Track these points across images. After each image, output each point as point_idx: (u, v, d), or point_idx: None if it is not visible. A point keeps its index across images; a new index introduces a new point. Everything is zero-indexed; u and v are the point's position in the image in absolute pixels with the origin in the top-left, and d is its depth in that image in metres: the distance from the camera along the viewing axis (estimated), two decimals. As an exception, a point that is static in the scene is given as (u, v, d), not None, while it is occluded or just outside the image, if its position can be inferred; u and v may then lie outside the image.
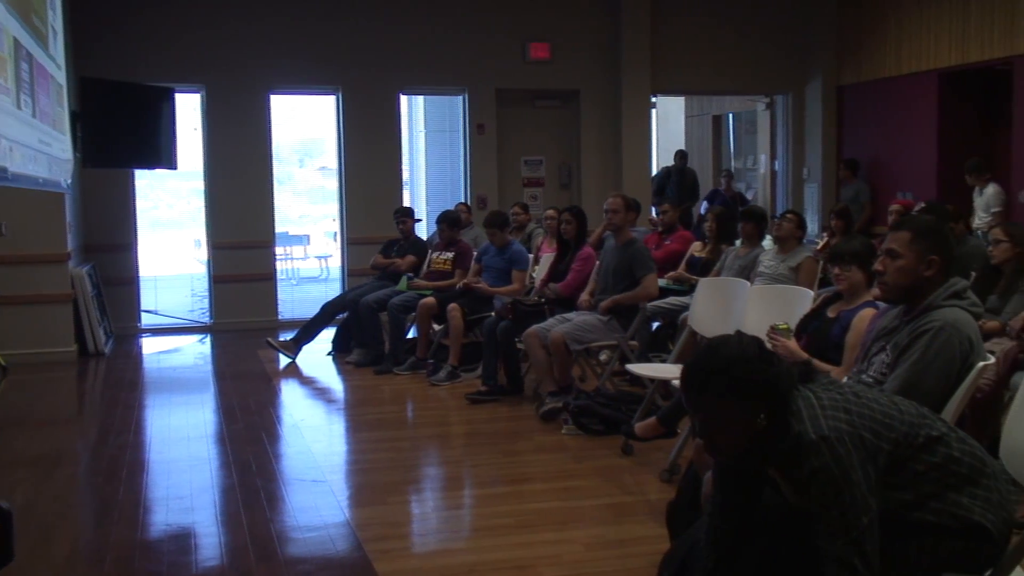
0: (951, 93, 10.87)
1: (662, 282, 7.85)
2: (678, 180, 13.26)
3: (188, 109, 11.37)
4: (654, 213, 10.46)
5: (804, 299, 5.08)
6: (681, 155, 13.76)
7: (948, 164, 10.81)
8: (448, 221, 8.94)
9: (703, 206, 12.99)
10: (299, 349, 9.07)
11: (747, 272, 7.44)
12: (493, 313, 7.67)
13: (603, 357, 7.66)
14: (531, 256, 8.68)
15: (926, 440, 2.67)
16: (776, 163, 13.40)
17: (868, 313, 4.20)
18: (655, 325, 8.15)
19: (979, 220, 9.65)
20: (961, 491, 2.67)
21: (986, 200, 9.86)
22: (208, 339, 10.75)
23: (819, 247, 8.11)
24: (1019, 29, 9.72)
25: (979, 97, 10.89)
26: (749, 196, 14.58)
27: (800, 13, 12.53)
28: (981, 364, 3.22)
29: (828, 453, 2.53)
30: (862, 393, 2.72)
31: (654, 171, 13.23)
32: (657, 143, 15.50)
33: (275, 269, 11.52)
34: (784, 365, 2.70)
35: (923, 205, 7.90)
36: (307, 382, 8.61)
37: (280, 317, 11.32)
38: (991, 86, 10.63)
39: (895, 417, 2.67)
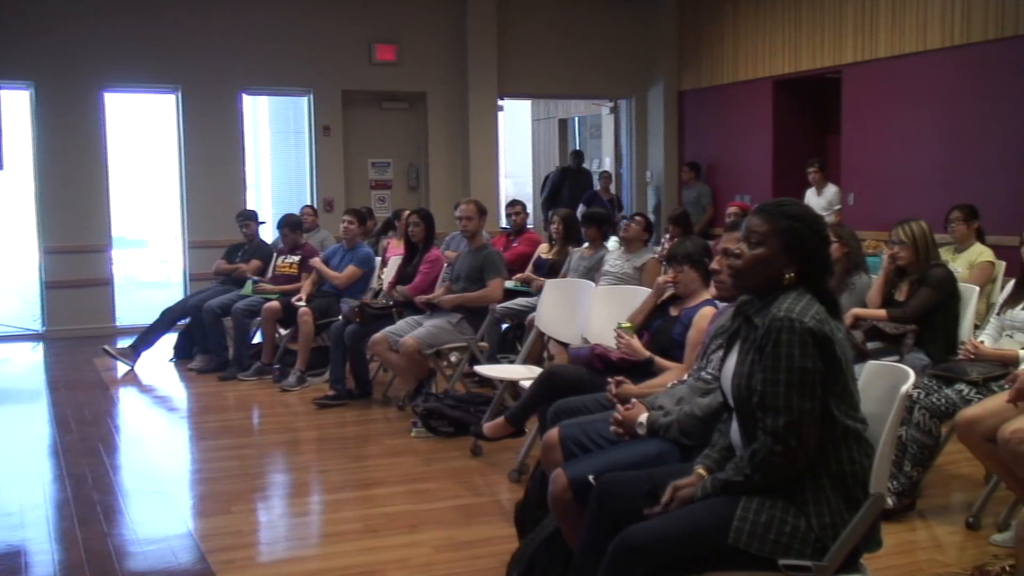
0: (785, 99, 11.32)
1: (510, 284, 7.91)
2: (574, 181, 13.24)
3: (15, 107, 10.83)
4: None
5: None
6: (577, 156, 13.73)
7: (783, 167, 11.26)
8: (289, 225, 8.77)
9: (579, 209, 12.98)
10: (138, 356, 8.77)
11: (593, 273, 7.57)
12: (340, 317, 7.58)
13: (453, 358, 7.66)
14: (379, 259, 8.60)
15: (845, 429, 2.74)
16: (621, 166, 13.67)
17: (708, 311, 4.32)
18: (504, 327, 8.20)
19: (820, 219, 10.06)
20: (822, 489, 2.72)
21: (828, 199, 10.36)
22: (40, 347, 10.29)
23: (661, 251, 8.31)
24: (847, 40, 10.19)
25: (811, 104, 11.36)
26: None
27: (642, 20, 12.84)
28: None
29: (798, 336, 2.65)
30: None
31: (501, 174, 13.25)
32: (505, 146, 15.60)
33: (111, 274, 11.11)
34: (831, 264, 2.89)
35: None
36: (147, 390, 8.33)
37: (117, 324, 10.92)
38: (822, 93, 11.11)
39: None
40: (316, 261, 8.23)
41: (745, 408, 2.79)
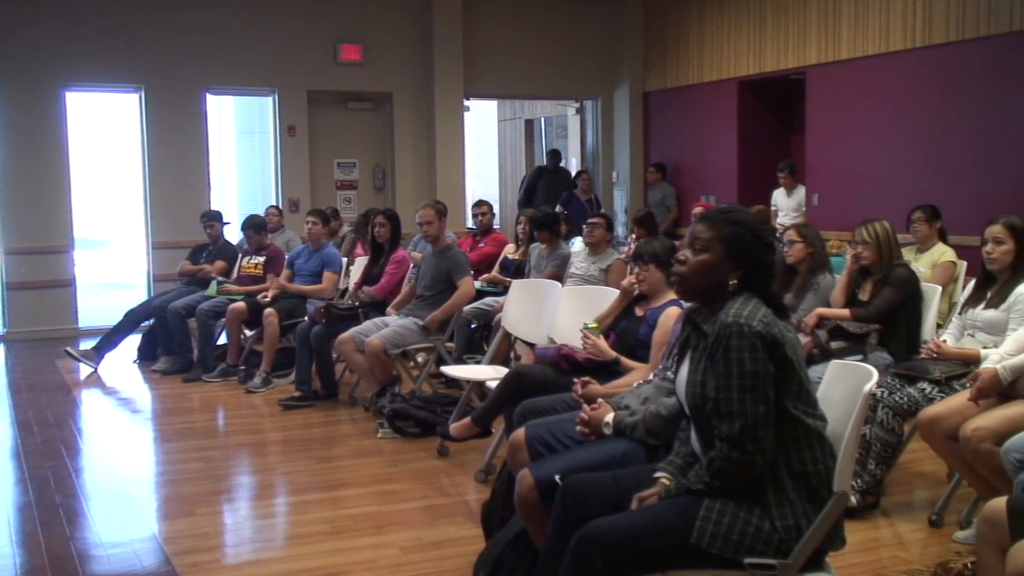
0: (750, 100, 11.38)
1: (476, 284, 7.89)
2: (551, 181, 13.12)
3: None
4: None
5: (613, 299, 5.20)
6: (554, 155, 13.63)
7: (748, 168, 11.32)
8: (253, 226, 8.70)
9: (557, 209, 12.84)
10: (101, 358, 8.69)
11: (553, 270, 7.60)
12: (307, 318, 7.54)
13: (420, 359, 7.64)
14: (344, 260, 8.57)
15: (807, 430, 2.76)
16: (587, 166, 13.66)
17: (673, 311, 4.34)
18: (471, 327, 8.18)
19: (789, 219, 10.10)
20: (784, 490, 2.75)
21: (798, 201, 10.45)
22: (1, 349, 10.16)
23: (627, 252, 8.32)
24: (810, 41, 10.27)
25: (776, 104, 11.44)
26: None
27: (608, 21, 12.87)
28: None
29: (748, 340, 2.67)
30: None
31: (468, 175, 13.19)
32: (471, 147, 15.56)
33: (74, 275, 10.99)
34: (780, 269, 2.89)
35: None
36: (110, 392, 8.25)
37: (80, 325, 10.81)
38: (787, 94, 11.19)
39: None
40: (287, 282, 8.12)
41: (701, 416, 2.81)
